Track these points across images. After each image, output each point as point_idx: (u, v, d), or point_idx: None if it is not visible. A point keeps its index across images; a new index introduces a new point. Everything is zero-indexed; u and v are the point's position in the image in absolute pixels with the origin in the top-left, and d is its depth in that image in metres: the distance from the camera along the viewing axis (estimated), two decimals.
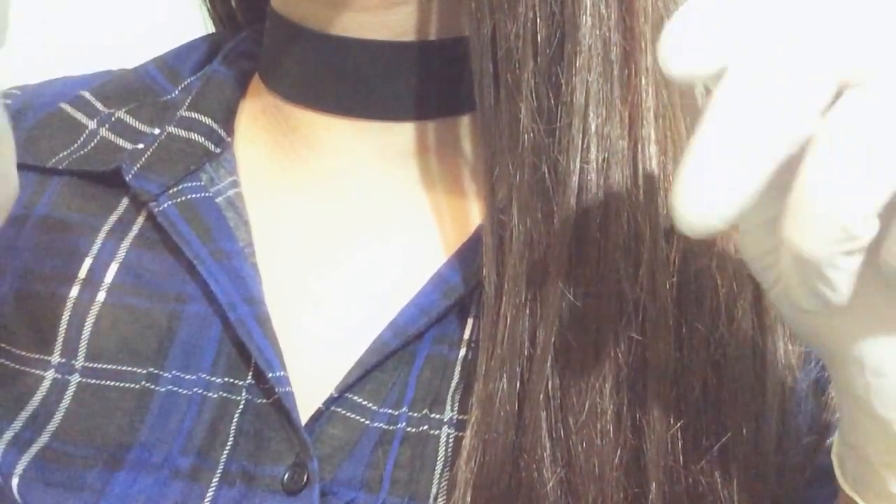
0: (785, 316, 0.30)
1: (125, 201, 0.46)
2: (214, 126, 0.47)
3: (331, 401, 0.40)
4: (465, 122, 0.44)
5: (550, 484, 0.37)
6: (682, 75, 0.25)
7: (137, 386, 0.42)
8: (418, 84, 0.43)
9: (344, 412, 0.40)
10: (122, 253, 0.44)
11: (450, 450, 0.39)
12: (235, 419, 0.41)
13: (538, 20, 0.38)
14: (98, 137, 0.47)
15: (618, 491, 0.37)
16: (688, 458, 0.38)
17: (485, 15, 0.38)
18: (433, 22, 0.42)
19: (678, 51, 0.25)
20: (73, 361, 0.43)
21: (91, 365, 0.43)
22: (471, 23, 0.39)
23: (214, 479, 0.40)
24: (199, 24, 0.54)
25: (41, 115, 0.48)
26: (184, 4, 0.55)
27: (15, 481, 0.40)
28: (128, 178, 0.45)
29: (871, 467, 0.30)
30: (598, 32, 0.38)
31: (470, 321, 0.41)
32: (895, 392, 0.28)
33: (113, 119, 0.48)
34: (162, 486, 0.40)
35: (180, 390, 0.42)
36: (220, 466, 0.40)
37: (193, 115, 0.47)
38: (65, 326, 0.43)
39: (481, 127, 0.40)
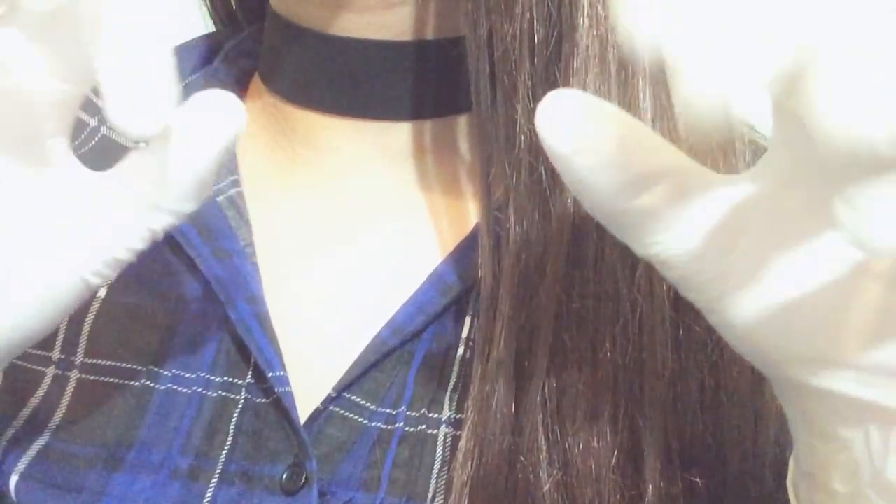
0: (729, 338, 0.29)
1: None
2: None
3: (329, 400, 0.40)
4: (462, 122, 0.44)
5: (547, 486, 0.37)
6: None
7: (137, 384, 0.42)
8: (416, 84, 0.43)
9: (342, 412, 0.40)
10: None
11: (448, 449, 0.39)
12: (234, 419, 0.41)
13: (535, 21, 0.37)
14: (99, 135, 0.47)
15: (615, 493, 0.37)
16: (685, 460, 0.38)
17: (481, 16, 0.38)
18: (431, 22, 0.42)
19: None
20: (72, 357, 0.43)
21: (90, 361, 0.43)
22: (467, 24, 0.39)
23: (213, 480, 0.40)
24: (200, 24, 0.54)
25: None
26: (184, 4, 0.55)
27: (14, 479, 0.40)
28: None
29: (827, 494, 0.29)
30: (595, 33, 0.37)
31: (468, 320, 0.41)
32: (849, 412, 0.27)
33: None
34: (161, 486, 0.40)
35: (180, 389, 0.42)
36: (219, 466, 0.40)
37: None
38: (65, 323, 0.43)
39: (478, 127, 0.40)
